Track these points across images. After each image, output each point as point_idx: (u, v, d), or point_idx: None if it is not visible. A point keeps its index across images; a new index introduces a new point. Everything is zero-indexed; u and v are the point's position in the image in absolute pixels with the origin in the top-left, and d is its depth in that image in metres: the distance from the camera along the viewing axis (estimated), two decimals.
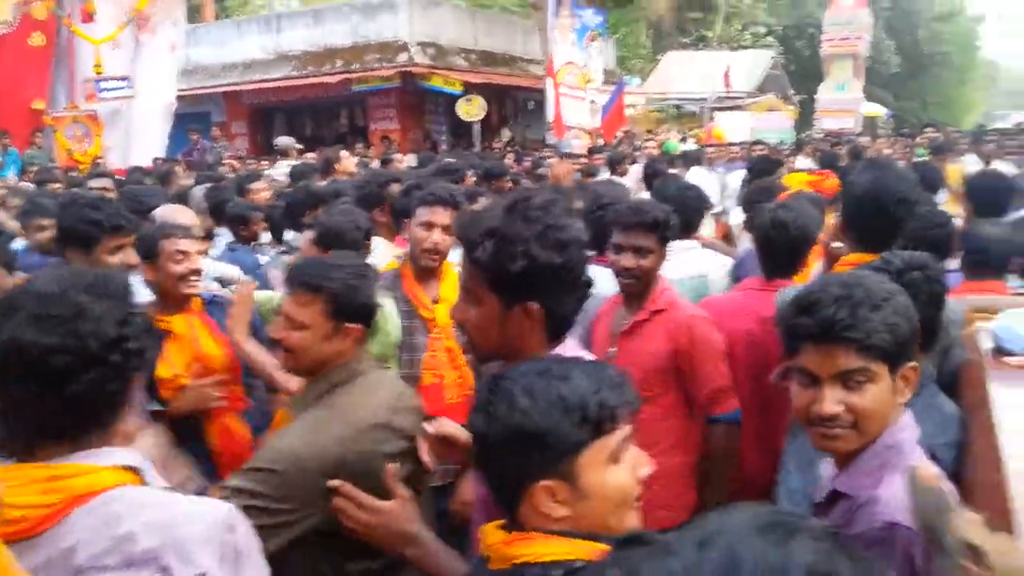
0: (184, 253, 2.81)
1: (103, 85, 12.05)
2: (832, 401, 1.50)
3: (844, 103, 22.64)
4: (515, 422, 1.21)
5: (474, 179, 6.55)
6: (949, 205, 5.01)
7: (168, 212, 3.85)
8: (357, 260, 2.09)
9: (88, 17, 11.86)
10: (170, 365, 2.78)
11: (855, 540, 1.41)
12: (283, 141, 11.97)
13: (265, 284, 3.57)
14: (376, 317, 2.05)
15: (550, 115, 15.82)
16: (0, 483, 1.14)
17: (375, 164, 10.24)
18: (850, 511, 1.52)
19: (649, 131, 16.78)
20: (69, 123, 11.96)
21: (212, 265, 3.92)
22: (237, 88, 18.53)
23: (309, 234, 2.93)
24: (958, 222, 3.69)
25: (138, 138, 12.32)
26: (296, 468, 1.73)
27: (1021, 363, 2.13)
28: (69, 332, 1.18)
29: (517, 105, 20.83)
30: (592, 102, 16.32)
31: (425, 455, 1.90)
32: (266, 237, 4.89)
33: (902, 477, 1.43)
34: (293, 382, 2.37)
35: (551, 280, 1.58)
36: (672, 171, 7.26)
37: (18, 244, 4.09)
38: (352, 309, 1.94)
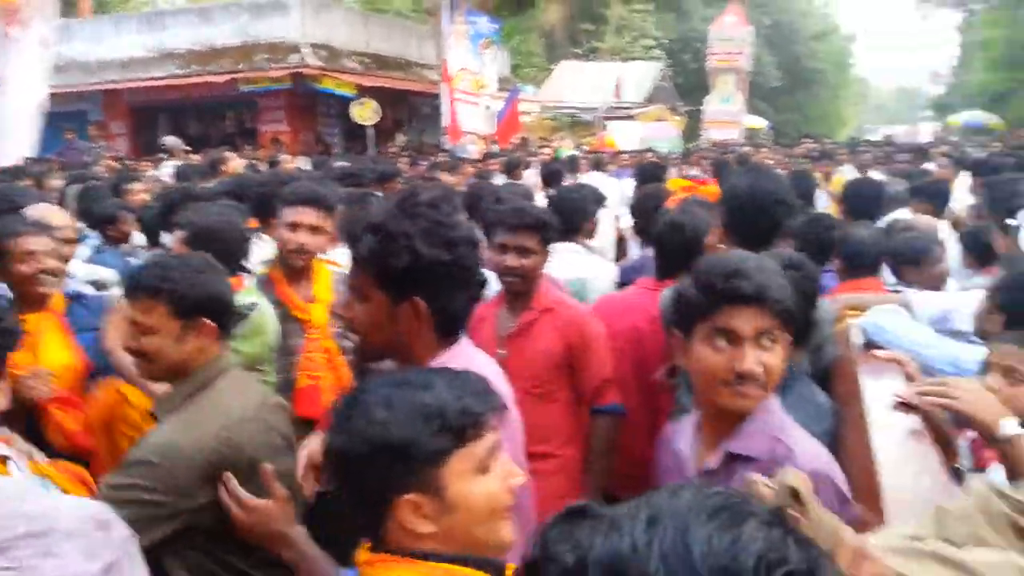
0: (31, 253, 2.72)
1: None
2: (753, 358, 1.57)
3: (729, 115, 23.64)
4: (374, 434, 1.16)
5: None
6: (831, 210, 5.29)
7: (39, 212, 3.63)
8: (197, 257, 2.04)
9: None
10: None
11: None
12: (170, 140, 11.60)
13: None
14: (247, 314, 2.00)
15: (445, 120, 15.85)
16: None
17: (263, 167, 9.96)
18: (768, 471, 1.54)
19: (543, 138, 16.98)
20: None
21: (85, 268, 3.78)
22: (116, 86, 17.78)
23: (180, 234, 2.78)
24: None
25: (7, 137, 11.59)
26: (175, 459, 1.73)
27: (888, 356, 2.24)
28: None
29: (412, 109, 20.73)
30: (487, 108, 16.46)
31: (305, 483, 1.86)
32: (140, 239, 4.67)
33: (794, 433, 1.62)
34: (163, 390, 2.28)
35: (440, 277, 1.58)
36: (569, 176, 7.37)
37: None
38: (198, 305, 1.88)
